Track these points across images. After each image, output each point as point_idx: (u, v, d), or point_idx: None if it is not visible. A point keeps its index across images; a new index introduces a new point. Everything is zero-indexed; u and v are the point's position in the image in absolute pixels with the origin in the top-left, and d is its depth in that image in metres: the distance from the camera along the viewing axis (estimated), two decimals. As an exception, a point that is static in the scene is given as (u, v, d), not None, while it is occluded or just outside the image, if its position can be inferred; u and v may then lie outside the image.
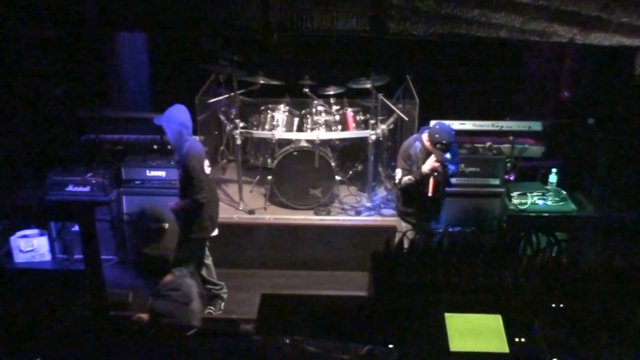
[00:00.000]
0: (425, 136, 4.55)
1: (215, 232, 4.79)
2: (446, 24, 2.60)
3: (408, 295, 2.54)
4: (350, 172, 6.34)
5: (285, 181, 5.81)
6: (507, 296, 2.54)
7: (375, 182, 6.17)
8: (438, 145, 4.43)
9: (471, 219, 5.60)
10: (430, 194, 4.53)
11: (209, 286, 4.96)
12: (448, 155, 4.50)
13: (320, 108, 6.03)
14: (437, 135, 4.46)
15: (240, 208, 5.83)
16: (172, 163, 5.67)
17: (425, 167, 4.52)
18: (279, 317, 2.53)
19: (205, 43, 5.81)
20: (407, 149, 4.67)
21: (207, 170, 4.60)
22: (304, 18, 2.64)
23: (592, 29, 2.62)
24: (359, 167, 6.33)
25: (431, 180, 4.53)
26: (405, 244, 3.03)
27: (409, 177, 4.59)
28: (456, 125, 5.89)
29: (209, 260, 4.94)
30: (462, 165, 5.44)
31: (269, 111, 5.97)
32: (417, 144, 4.64)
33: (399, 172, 4.67)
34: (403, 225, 4.90)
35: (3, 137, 5.70)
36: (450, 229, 3.02)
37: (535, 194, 5.52)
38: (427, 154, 4.56)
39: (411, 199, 4.72)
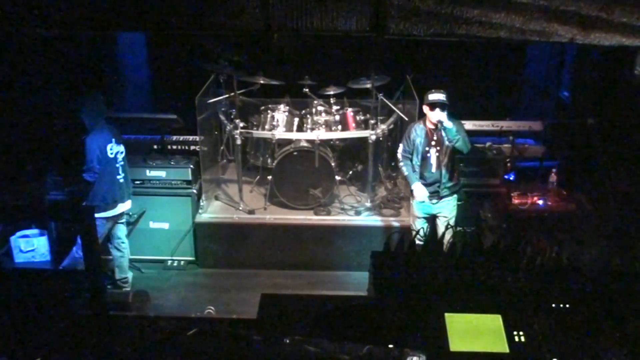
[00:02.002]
0: (424, 107, 4.81)
1: (110, 214, 4.88)
2: (446, 24, 2.59)
3: (408, 295, 2.54)
4: (350, 172, 6.33)
5: (285, 181, 5.81)
6: (507, 296, 2.54)
7: (375, 182, 6.17)
8: (431, 103, 4.68)
9: (471, 219, 5.61)
10: (433, 170, 4.84)
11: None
12: (444, 118, 4.63)
13: (320, 108, 6.02)
14: (429, 96, 4.74)
15: (240, 208, 5.83)
16: (172, 163, 5.69)
17: (414, 188, 4.87)
18: (279, 317, 2.53)
19: (206, 43, 5.81)
20: (409, 129, 4.98)
21: (112, 152, 4.80)
22: (304, 18, 2.63)
23: (592, 29, 2.61)
24: (359, 167, 6.33)
25: (434, 155, 4.82)
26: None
27: (404, 167, 4.96)
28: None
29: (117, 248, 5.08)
30: (462, 165, 5.45)
31: (269, 111, 5.96)
32: (420, 123, 4.91)
33: (400, 147, 5.03)
34: (416, 214, 5.05)
35: (3, 137, 5.70)
36: (451, 229, 3.02)
37: (535, 194, 5.52)
38: (427, 133, 4.83)
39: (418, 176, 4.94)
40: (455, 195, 4.99)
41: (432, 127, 4.81)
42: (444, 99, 4.69)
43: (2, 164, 5.75)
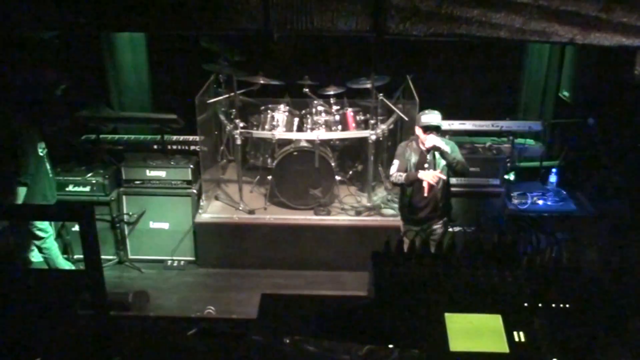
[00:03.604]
0: (417, 129, 4.50)
1: None
2: (446, 24, 2.59)
3: (408, 295, 2.54)
4: (350, 172, 6.33)
5: (285, 181, 5.81)
6: (507, 296, 2.54)
7: (375, 182, 6.17)
8: (425, 127, 4.36)
9: (471, 219, 5.61)
10: (425, 194, 4.45)
11: None
12: (440, 143, 4.34)
13: (320, 108, 6.02)
14: (422, 118, 4.42)
15: (240, 208, 5.83)
16: (172, 163, 5.69)
17: (422, 175, 4.40)
18: (279, 317, 2.53)
19: (206, 43, 5.81)
20: (402, 148, 4.63)
21: (42, 151, 4.88)
22: (304, 18, 2.63)
23: (592, 29, 2.62)
24: (359, 167, 6.33)
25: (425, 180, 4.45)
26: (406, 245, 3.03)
27: (401, 173, 4.53)
28: (456, 125, 5.90)
29: (47, 244, 5.06)
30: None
31: (269, 111, 5.97)
32: (413, 142, 4.60)
33: (395, 164, 4.60)
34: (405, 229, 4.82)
35: (3, 137, 5.69)
36: (451, 229, 3.03)
37: (535, 194, 5.52)
38: (420, 154, 4.51)
39: (409, 200, 4.64)
40: (445, 219, 4.69)
41: (425, 148, 4.48)
42: (439, 121, 4.39)
43: (2, 164, 5.75)
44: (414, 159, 4.54)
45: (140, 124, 6.78)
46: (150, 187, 5.65)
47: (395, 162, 4.61)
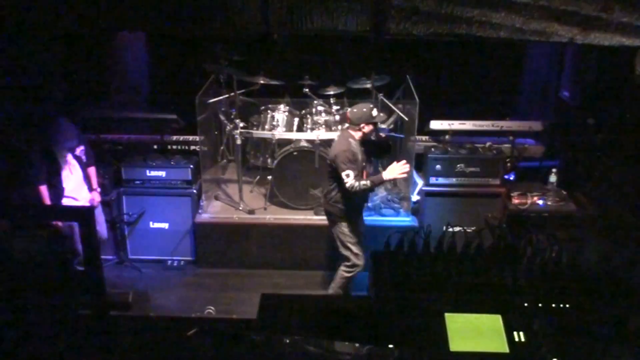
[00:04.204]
0: (365, 128, 4.38)
1: None
2: (446, 24, 2.59)
3: (408, 295, 2.54)
4: (351, 172, 6.32)
5: (285, 181, 5.80)
6: (507, 296, 2.54)
7: (375, 182, 6.16)
8: (374, 121, 4.44)
9: (471, 219, 5.60)
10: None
11: None
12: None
13: (320, 108, 6.02)
14: (373, 112, 4.39)
15: (240, 208, 5.83)
16: (172, 163, 5.69)
17: (388, 175, 4.27)
18: (279, 317, 2.53)
19: (206, 43, 5.82)
20: (348, 150, 4.32)
21: None
22: (304, 18, 2.63)
23: (592, 29, 2.62)
24: (359, 167, 6.32)
25: (364, 174, 4.53)
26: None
27: (365, 182, 4.29)
28: (456, 125, 5.90)
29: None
30: (462, 165, 5.46)
31: (269, 111, 5.97)
32: (351, 140, 4.40)
33: (350, 175, 4.24)
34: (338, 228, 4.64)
35: (3, 136, 5.70)
36: (451, 229, 3.02)
37: (535, 194, 5.52)
38: (360, 149, 4.42)
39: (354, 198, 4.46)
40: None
41: (360, 141, 4.44)
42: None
43: (2, 164, 5.75)
44: (360, 157, 4.42)
45: (140, 124, 6.77)
46: (150, 187, 5.64)
47: (350, 173, 4.26)
